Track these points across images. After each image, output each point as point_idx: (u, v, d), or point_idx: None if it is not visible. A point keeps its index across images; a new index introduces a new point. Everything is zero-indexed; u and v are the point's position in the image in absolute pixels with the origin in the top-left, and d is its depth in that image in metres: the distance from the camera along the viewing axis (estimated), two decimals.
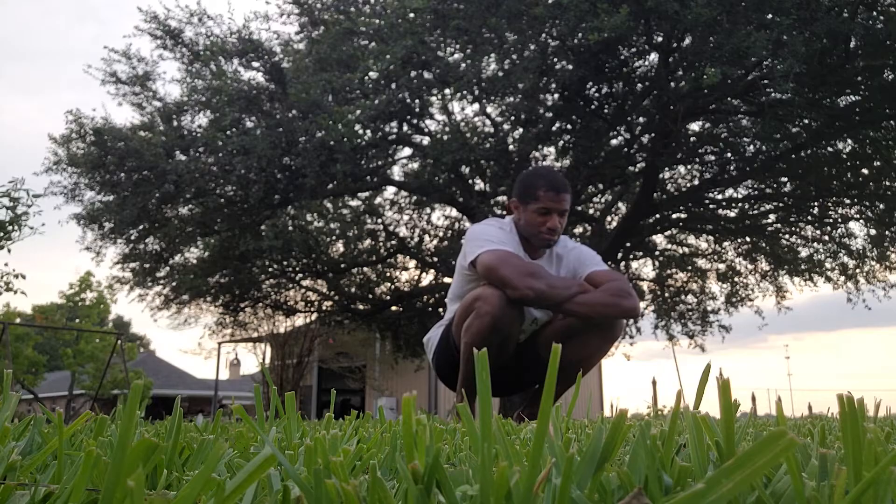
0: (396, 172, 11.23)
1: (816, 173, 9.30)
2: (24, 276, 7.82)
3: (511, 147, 9.65)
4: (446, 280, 10.97)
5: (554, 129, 9.57)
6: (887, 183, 9.19)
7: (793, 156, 9.17)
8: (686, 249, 12.19)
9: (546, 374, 0.45)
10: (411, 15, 8.43)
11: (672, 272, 12.37)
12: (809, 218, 10.53)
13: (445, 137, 8.67)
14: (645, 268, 12.64)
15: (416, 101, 9.24)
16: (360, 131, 8.57)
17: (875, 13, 7.12)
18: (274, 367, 13.35)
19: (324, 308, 12.75)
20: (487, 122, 10.27)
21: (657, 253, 12.25)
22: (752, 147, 9.57)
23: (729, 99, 8.52)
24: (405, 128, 10.09)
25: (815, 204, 10.19)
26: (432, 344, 2.80)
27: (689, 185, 10.88)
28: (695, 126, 9.91)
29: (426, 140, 10.01)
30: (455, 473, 0.50)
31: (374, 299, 12.60)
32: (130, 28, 17.94)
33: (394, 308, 12.61)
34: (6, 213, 6.59)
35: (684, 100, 7.67)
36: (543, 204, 2.57)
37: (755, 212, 10.80)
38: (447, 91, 9.40)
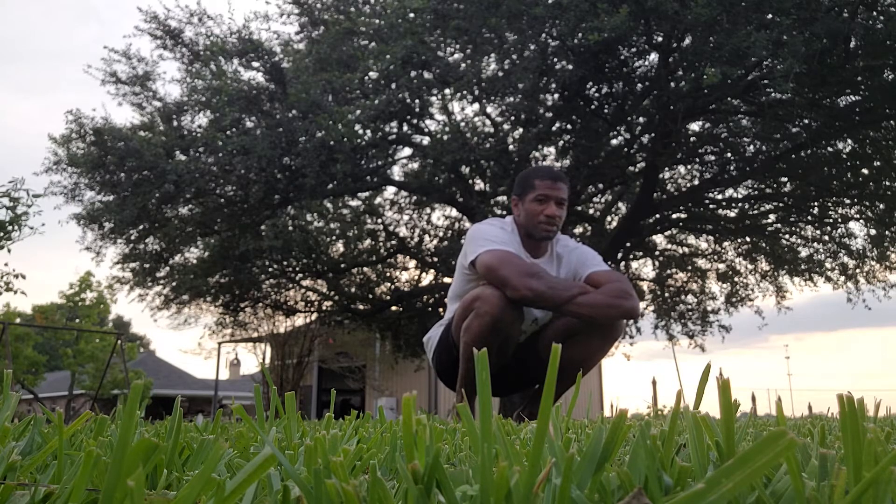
0: (396, 172, 11.24)
1: (816, 173, 9.30)
2: (24, 276, 7.84)
3: (511, 147, 9.65)
4: (446, 280, 10.97)
5: (554, 129, 9.57)
6: (887, 183, 9.19)
7: (793, 156, 9.17)
8: (686, 249, 12.19)
9: (546, 374, 0.45)
10: (411, 15, 8.43)
11: (672, 272, 12.37)
12: (809, 218, 10.53)
13: (445, 137, 8.67)
14: (645, 268, 12.66)
15: (416, 101, 9.24)
16: (360, 131, 8.56)
17: (875, 13, 7.12)
18: (274, 367, 13.36)
19: (324, 308, 12.75)
20: (487, 122, 10.27)
21: (657, 253, 12.25)
22: (752, 147, 9.57)
23: (729, 99, 8.52)
24: (405, 128, 10.08)
25: (815, 204, 10.20)
26: (432, 344, 2.80)
27: (689, 185, 10.88)
28: (695, 126, 9.92)
29: (426, 140, 10.01)
30: (455, 473, 0.50)
31: (374, 299, 12.60)
32: (130, 28, 17.98)
33: (394, 308, 12.61)
34: (6, 213, 6.60)
35: (684, 100, 7.67)
36: (540, 191, 2.60)
37: (755, 212, 10.80)
38: (447, 91, 9.40)
